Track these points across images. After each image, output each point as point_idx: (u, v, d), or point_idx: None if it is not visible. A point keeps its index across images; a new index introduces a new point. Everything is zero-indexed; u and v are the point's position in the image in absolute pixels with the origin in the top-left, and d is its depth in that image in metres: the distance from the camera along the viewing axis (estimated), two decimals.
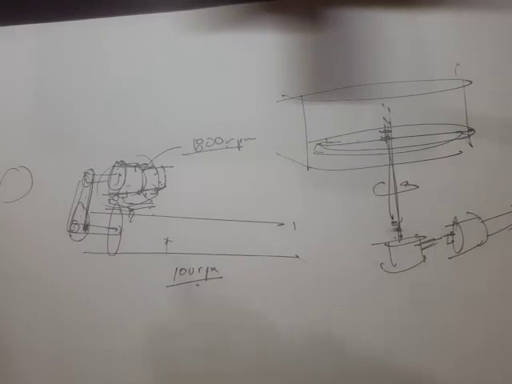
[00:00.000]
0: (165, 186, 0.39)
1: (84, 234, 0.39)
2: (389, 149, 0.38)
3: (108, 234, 0.39)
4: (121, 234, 0.38)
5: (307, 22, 0.40)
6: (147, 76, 0.41)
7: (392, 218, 0.37)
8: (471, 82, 0.38)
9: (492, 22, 0.39)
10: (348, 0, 0.40)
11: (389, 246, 0.37)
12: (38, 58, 0.41)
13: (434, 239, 0.36)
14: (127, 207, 0.39)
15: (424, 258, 0.36)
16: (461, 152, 0.37)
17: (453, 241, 0.36)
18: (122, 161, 0.40)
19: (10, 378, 0.37)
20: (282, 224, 0.38)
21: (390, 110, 0.38)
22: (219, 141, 0.39)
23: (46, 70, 0.41)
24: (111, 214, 0.39)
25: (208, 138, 0.40)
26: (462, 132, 0.38)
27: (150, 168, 0.39)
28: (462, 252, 0.36)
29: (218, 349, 0.36)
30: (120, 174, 0.40)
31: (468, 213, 0.37)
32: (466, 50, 0.39)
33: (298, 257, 0.37)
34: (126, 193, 0.39)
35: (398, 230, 0.37)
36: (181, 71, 0.40)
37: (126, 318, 0.37)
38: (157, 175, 0.39)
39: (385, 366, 0.35)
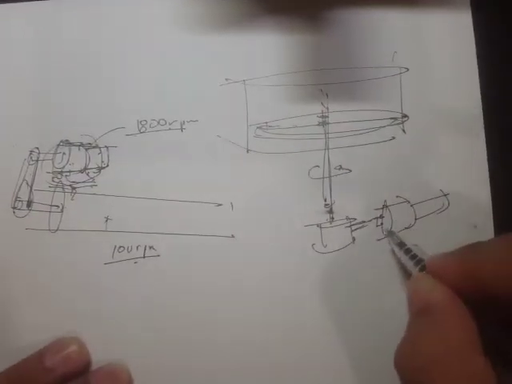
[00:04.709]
0: (107, 166, 0.40)
1: (27, 211, 0.40)
2: (325, 133, 0.39)
3: (50, 212, 0.39)
4: (62, 211, 0.39)
5: (250, 9, 0.41)
6: (93, 57, 0.41)
7: (325, 201, 0.38)
8: (408, 69, 0.39)
9: (429, 12, 0.40)
10: None
11: (321, 227, 0.38)
12: None
13: (363, 221, 0.38)
14: (70, 185, 0.40)
15: (353, 239, 0.37)
16: (393, 138, 0.39)
17: (382, 223, 0.37)
18: (66, 140, 0.40)
19: None
20: (220, 205, 0.39)
21: (327, 96, 0.39)
22: (162, 122, 0.40)
23: None
24: (54, 191, 0.40)
25: (152, 120, 0.40)
26: (395, 118, 0.39)
27: (94, 148, 0.40)
28: None
29: (155, 321, 0.37)
30: (64, 153, 0.40)
31: (398, 197, 0.38)
32: (403, 38, 0.40)
33: (233, 236, 0.38)
34: (70, 171, 0.40)
35: (330, 212, 0.38)
36: (125, 52, 0.41)
37: (65, 293, 0.38)
38: (100, 154, 0.40)
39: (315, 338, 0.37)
